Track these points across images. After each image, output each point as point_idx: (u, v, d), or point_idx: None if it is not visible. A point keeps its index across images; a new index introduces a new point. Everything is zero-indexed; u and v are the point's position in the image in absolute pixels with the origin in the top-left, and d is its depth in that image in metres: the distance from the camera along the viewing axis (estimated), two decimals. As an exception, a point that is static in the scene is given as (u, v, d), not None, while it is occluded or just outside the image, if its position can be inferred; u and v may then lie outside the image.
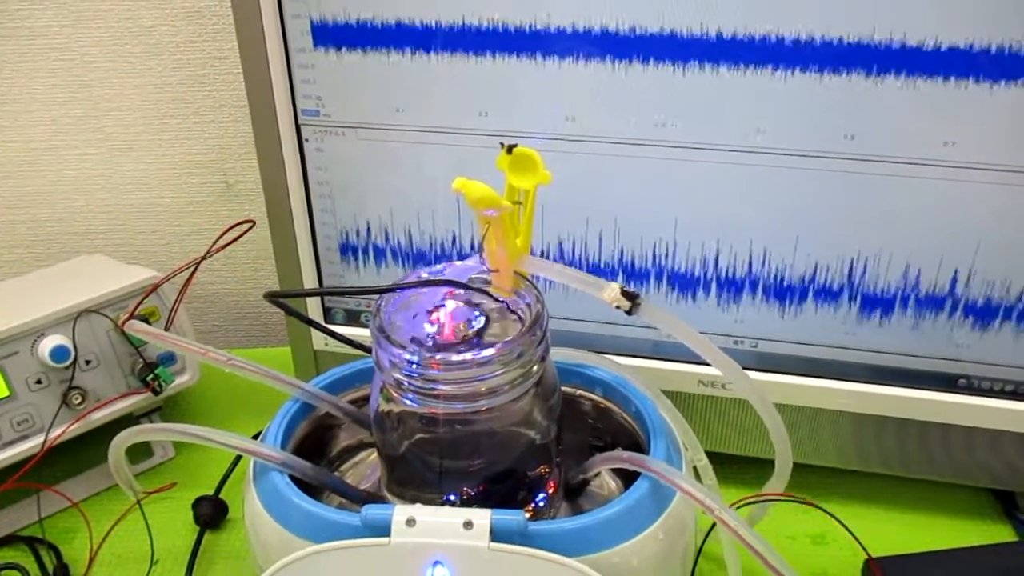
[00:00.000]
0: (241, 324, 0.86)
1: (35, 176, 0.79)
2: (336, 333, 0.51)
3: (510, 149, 0.40)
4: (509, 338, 0.39)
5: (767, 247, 0.53)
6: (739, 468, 0.58)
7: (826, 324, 0.54)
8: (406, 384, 0.40)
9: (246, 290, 0.84)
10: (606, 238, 0.55)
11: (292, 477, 0.43)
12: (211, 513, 0.58)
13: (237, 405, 0.71)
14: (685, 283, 0.55)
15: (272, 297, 0.45)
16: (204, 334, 0.86)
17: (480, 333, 0.41)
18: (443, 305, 0.42)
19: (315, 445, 0.50)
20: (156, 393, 0.58)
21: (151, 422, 0.65)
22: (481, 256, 0.41)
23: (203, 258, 0.52)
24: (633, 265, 0.55)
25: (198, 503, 0.59)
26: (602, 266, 0.56)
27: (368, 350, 0.51)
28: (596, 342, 0.58)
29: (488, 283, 0.42)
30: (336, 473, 0.51)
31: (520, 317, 0.41)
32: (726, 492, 0.51)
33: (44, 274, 0.67)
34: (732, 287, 0.55)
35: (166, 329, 0.58)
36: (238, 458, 0.63)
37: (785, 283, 0.54)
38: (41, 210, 0.81)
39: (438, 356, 0.39)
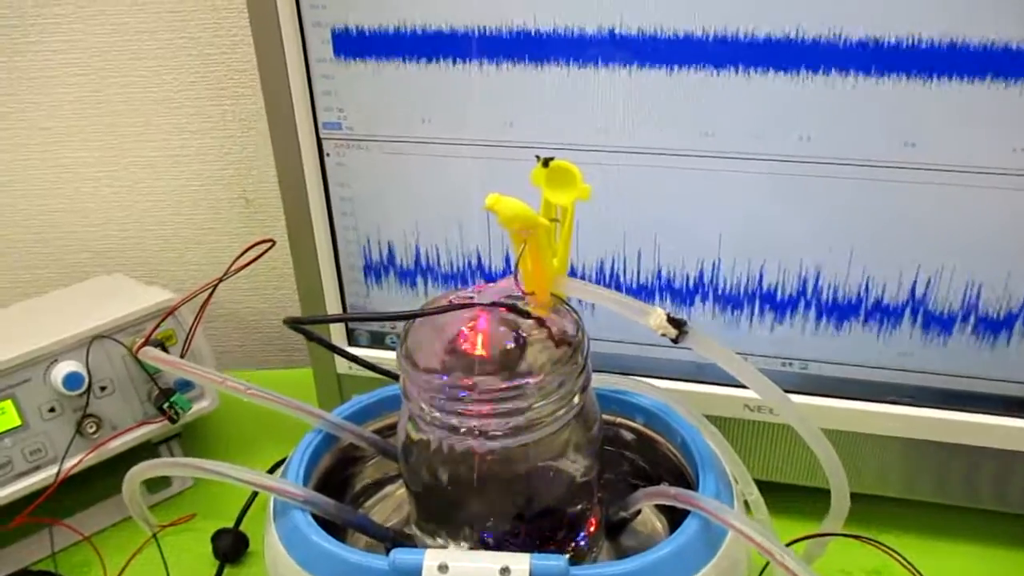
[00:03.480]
0: (263, 344, 0.84)
1: (53, 194, 0.77)
2: (360, 359, 0.48)
3: (546, 162, 0.38)
4: (548, 367, 0.36)
5: (819, 263, 0.49)
6: (790, 497, 0.54)
7: (881, 344, 0.51)
8: (436, 418, 0.37)
9: (268, 309, 0.81)
10: (645, 256, 0.52)
11: (315, 515, 0.40)
12: (231, 546, 0.56)
13: (260, 430, 0.68)
14: (730, 302, 0.52)
15: (293, 323, 0.42)
16: (225, 354, 0.83)
17: (516, 362, 0.37)
18: (476, 331, 0.39)
19: (340, 478, 0.47)
20: (173, 421, 0.56)
21: (170, 450, 0.63)
22: (516, 278, 0.38)
23: (220, 280, 0.50)
24: (674, 284, 0.52)
25: (217, 536, 0.56)
26: (641, 285, 0.53)
27: (395, 376, 0.49)
28: (632, 364, 0.55)
29: (523, 307, 0.39)
30: (362, 508, 0.48)
31: (558, 344, 0.38)
32: (778, 525, 0.47)
33: (60, 295, 0.65)
34: (780, 306, 0.51)
35: (183, 354, 0.55)
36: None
37: (838, 301, 0.50)
38: (59, 229, 0.79)
39: (471, 386, 0.36)
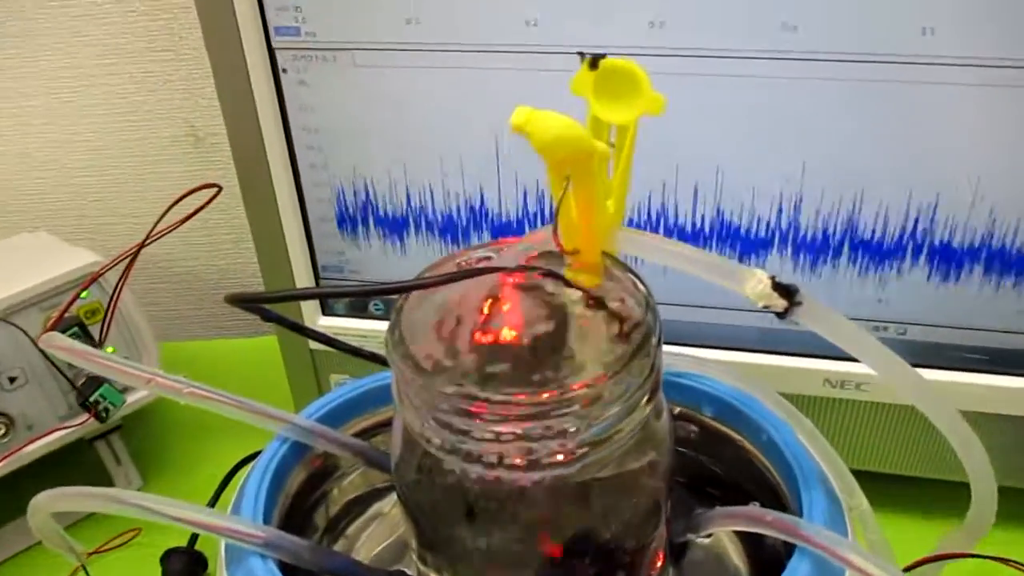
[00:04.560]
0: (224, 307, 0.71)
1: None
2: (336, 342, 0.36)
3: (595, 62, 0.26)
4: (609, 364, 0.25)
5: (933, 195, 0.38)
6: (880, 487, 0.44)
7: (1012, 298, 0.40)
8: (445, 439, 0.26)
9: (227, 267, 0.69)
10: (704, 191, 0.40)
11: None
12: (185, 570, 0.45)
13: (218, 417, 0.56)
14: (812, 250, 0.40)
15: (238, 301, 0.30)
16: (179, 321, 0.72)
17: (560, 359, 0.26)
18: (499, 310, 0.27)
19: (314, 498, 0.36)
20: (101, 419, 0.44)
21: (110, 446, 0.51)
22: (556, 231, 0.27)
23: (143, 245, 0.38)
24: (740, 226, 0.40)
25: (168, 557, 0.45)
26: (697, 230, 0.41)
27: (382, 361, 0.37)
28: (673, 331, 0.44)
29: (566, 272, 0.27)
30: (344, 536, 0.37)
31: (620, 327, 0.27)
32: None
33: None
34: (878, 254, 0.40)
35: (102, 336, 0.43)
36: (223, 486, 0.49)
37: (955, 244, 0.39)
38: (-28, 178, 0.66)
39: (496, 400, 0.24)
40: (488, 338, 0.26)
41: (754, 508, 0.32)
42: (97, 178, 0.66)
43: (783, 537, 0.29)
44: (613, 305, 0.27)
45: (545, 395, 0.24)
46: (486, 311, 0.27)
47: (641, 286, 0.27)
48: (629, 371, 0.25)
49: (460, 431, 0.25)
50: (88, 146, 0.65)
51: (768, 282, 0.26)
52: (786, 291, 0.27)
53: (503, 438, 0.25)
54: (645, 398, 0.26)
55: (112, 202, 0.67)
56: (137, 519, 0.49)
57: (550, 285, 0.27)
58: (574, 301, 0.27)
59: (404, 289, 0.27)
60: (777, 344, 0.43)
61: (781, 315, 0.27)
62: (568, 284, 0.27)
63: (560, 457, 0.25)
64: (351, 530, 0.37)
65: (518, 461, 0.25)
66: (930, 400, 0.29)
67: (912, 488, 0.46)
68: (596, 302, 0.27)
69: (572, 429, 0.25)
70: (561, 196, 0.26)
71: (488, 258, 0.29)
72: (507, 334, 0.26)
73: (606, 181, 0.27)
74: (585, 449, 0.25)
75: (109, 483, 0.52)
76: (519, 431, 0.25)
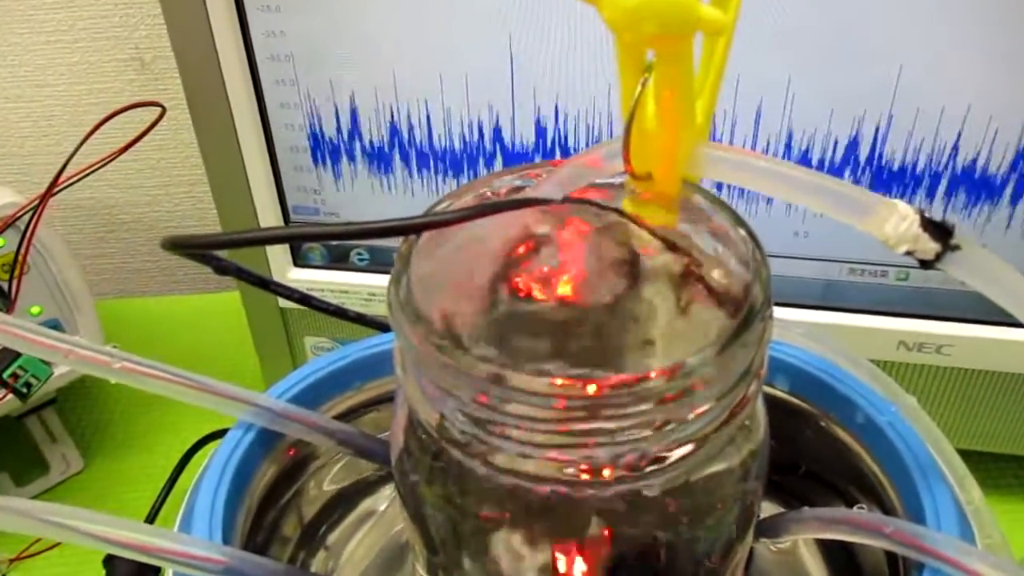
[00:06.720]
0: (182, 260, 0.63)
1: None
2: (313, 300, 0.28)
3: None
4: (712, 337, 0.18)
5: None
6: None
7: None
8: (471, 441, 0.18)
9: (184, 212, 0.61)
10: (769, 111, 0.32)
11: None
12: (133, 573, 0.37)
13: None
14: (899, 184, 0.33)
15: (177, 246, 0.22)
16: (132, 275, 0.63)
17: (632, 329, 0.19)
18: (548, 258, 0.19)
19: (286, 497, 0.29)
20: (22, 396, 0.36)
21: (42, 422, 0.44)
22: (625, 147, 0.19)
23: (59, 177, 0.29)
24: (811, 157, 0.33)
25: (112, 559, 0.38)
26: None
27: (369, 322, 0.30)
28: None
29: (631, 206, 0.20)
30: (326, 547, 0.30)
31: (716, 285, 0.19)
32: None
33: None
34: (980, 189, 0.33)
35: (12, 292, 0.35)
36: (179, 468, 0.42)
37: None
38: None
39: (554, 390, 0.17)
40: (532, 300, 0.19)
41: (861, 513, 0.25)
42: (30, 108, 0.57)
43: (907, 554, 0.22)
44: (706, 254, 0.19)
45: (617, 383, 0.17)
46: (528, 261, 0.19)
47: (741, 228, 0.20)
48: (735, 346, 0.17)
49: (493, 432, 0.18)
50: (17, 72, 0.56)
51: (916, 218, 0.19)
52: (940, 231, 0.19)
53: (555, 441, 0.18)
54: (750, 385, 0.19)
55: (43, 138, 0.58)
56: (80, 505, 0.42)
57: (615, 226, 0.20)
58: (649, 248, 0.20)
59: (412, 229, 0.19)
60: (843, 299, 0.36)
61: (930, 263, 0.20)
62: (637, 223, 0.20)
63: (633, 467, 0.18)
64: (333, 538, 0.30)
65: (573, 471, 0.18)
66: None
67: (1010, 468, 0.41)
68: (680, 250, 0.19)
69: (650, 432, 0.17)
70: (637, 96, 0.18)
71: (519, 188, 0.21)
72: (562, 294, 0.19)
73: (691, 82, 0.19)
74: (669, 456, 0.18)
75: (43, 466, 0.44)
76: (578, 431, 0.17)
